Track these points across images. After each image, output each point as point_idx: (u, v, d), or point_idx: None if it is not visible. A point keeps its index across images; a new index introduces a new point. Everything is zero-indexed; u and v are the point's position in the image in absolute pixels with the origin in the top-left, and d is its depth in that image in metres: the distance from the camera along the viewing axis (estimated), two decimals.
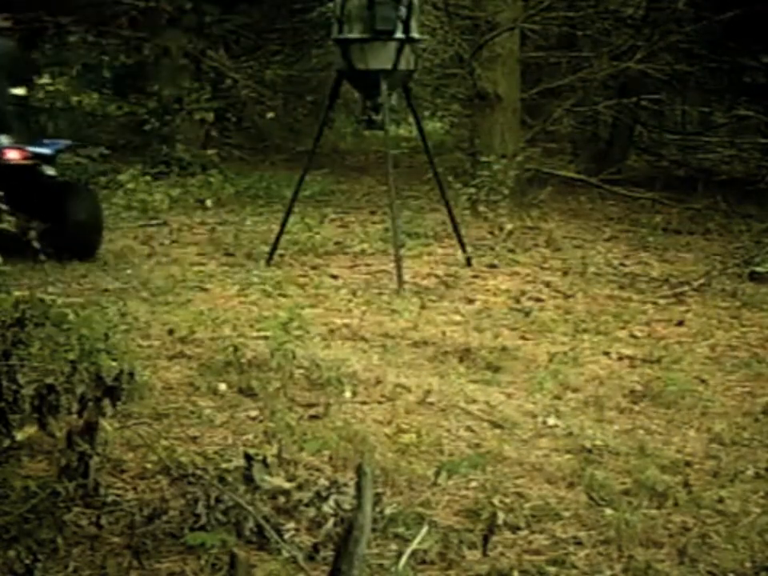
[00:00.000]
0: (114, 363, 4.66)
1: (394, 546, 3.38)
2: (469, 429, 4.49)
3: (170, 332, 5.77)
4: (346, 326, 6.09)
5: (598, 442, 4.35)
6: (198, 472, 3.75)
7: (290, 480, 3.75)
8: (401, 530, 3.47)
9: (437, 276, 7.68)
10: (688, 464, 4.19)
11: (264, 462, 3.71)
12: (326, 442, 4.19)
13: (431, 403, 4.76)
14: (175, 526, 3.37)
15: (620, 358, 5.69)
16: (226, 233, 9.21)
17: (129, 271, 7.69)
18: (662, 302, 7.07)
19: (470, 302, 6.93)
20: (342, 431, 4.36)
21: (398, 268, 7.22)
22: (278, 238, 8.06)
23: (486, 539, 3.38)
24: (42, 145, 7.84)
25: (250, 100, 14.30)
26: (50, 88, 12.10)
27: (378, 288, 7.23)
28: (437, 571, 3.29)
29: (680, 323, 6.49)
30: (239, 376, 5.01)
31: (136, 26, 13.10)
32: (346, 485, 3.63)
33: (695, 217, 10.46)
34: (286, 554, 3.24)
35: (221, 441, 4.34)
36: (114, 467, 3.89)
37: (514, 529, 3.58)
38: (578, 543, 3.50)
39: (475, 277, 7.69)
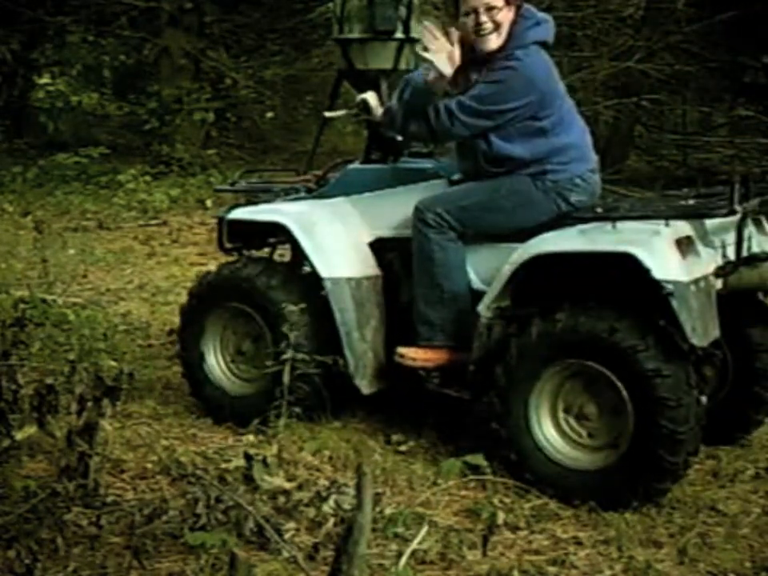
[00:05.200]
0: (113, 363, 4.67)
1: (394, 546, 3.38)
2: None
3: (170, 332, 5.77)
4: None
5: None
6: (198, 472, 3.75)
7: (289, 480, 3.75)
8: (401, 530, 3.47)
9: None
10: None
11: (264, 461, 3.71)
12: (326, 442, 4.19)
13: None
14: (175, 525, 3.37)
15: None
16: None
17: (129, 271, 7.69)
18: None
19: None
20: (342, 431, 4.36)
21: None
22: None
23: (485, 539, 3.38)
24: None
25: (250, 100, 14.29)
26: (50, 88, 12.09)
27: None
28: (437, 571, 3.29)
29: None
30: None
31: (136, 26, 13.09)
32: (346, 485, 3.63)
33: None
34: (286, 554, 3.24)
35: (221, 441, 4.34)
36: (113, 467, 3.89)
37: (514, 529, 3.58)
38: (578, 543, 3.50)
39: None
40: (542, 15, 4.14)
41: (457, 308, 4.12)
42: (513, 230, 4.04)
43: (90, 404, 3.43)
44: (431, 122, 4.04)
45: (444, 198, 4.19)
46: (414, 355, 4.15)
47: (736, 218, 3.83)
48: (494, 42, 4.03)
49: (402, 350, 4.19)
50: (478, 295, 4.08)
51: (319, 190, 4.63)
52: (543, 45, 4.11)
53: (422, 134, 4.16)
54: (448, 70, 4.02)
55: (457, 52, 4.04)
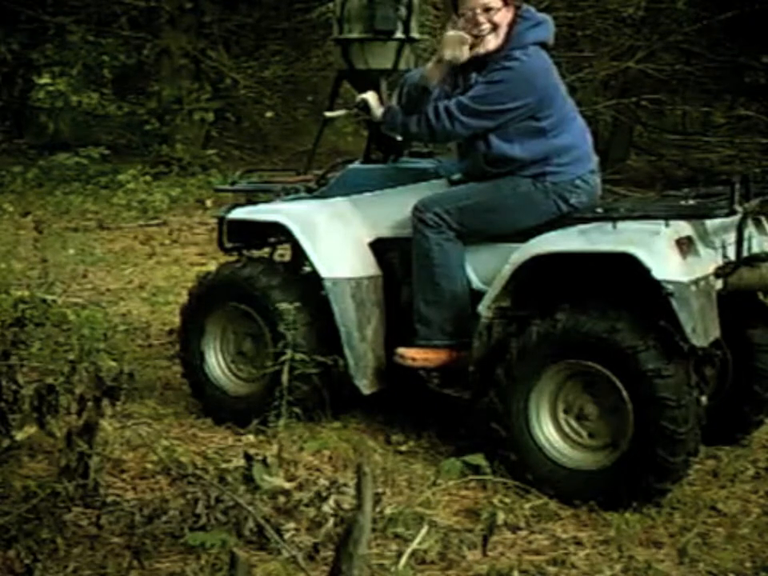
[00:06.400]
0: (113, 363, 4.67)
1: (394, 546, 3.38)
2: None
3: (170, 332, 5.77)
4: None
5: None
6: (198, 472, 3.75)
7: (290, 480, 3.75)
8: (401, 529, 3.47)
9: None
10: None
11: (264, 461, 3.71)
12: (326, 442, 4.19)
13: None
14: (175, 525, 3.37)
15: None
16: None
17: (129, 271, 7.69)
18: None
19: None
20: (342, 431, 4.36)
21: None
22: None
23: (485, 539, 3.39)
24: None
25: (250, 100, 14.27)
26: (50, 88, 12.07)
27: None
28: (437, 571, 3.29)
29: None
30: None
31: (136, 26, 13.07)
32: (345, 485, 3.63)
33: None
34: (285, 554, 3.24)
35: (221, 441, 4.34)
36: (113, 467, 3.89)
37: (514, 529, 3.58)
38: (578, 543, 3.50)
39: None
40: (541, 16, 4.15)
41: (456, 307, 4.13)
42: (512, 230, 4.05)
43: (90, 404, 3.43)
44: (431, 122, 4.04)
45: (443, 198, 4.20)
46: (413, 355, 4.16)
47: (736, 218, 3.83)
48: (492, 42, 4.03)
49: (401, 350, 4.19)
50: (477, 295, 4.09)
51: (319, 190, 4.63)
52: (543, 45, 4.11)
53: (422, 134, 4.17)
54: (465, 52, 4.01)
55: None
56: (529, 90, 3.98)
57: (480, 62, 4.08)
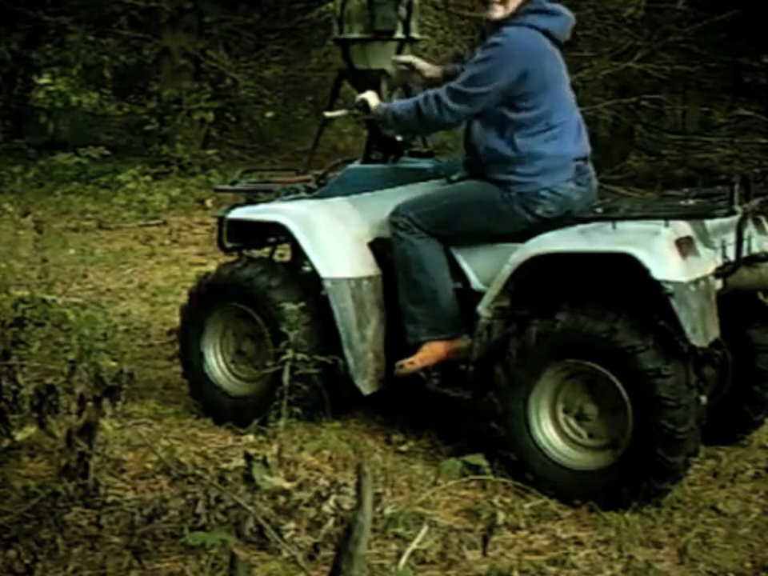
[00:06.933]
0: (113, 363, 4.67)
1: (394, 546, 3.38)
2: None
3: (170, 332, 5.77)
4: None
5: None
6: (198, 472, 3.75)
7: (289, 480, 3.75)
8: (401, 530, 3.47)
9: None
10: None
11: (264, 461, 3.71)
12: (326, 442, 4.19)
13: None
14: (175, 525, 3.37)
15: None
16: None
17: (129, 271, 7.69)
18: None
19: None
20: (342, 431, 4.36)
21: None
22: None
23: (485, 539, 3.39)
24: None
25: (250, 100, 14.27)
26: (50, 88, 12.07)
27: None
28: (437, 571, 3.29)
29: None
30: None
31: (136, 26, 13.08)
32: (345, 485, 3.63)
33: None
34: (285, 554, 3.24)
35: (221, 441, 4.34)
36: (114, 467, 3.89)
37: (514, 529, 3.58)
38: (578, 543, 3.50)
39: None
40: (554, 7, 4.10)
41: (438, 304, 4.15)
42: (480, 235, 4.11)
43: (90, 404, 3.43)
44: (421, 110, 4.07)
45: (416, 202, 4.23)
46: (412, 360, 4.16)
47: (736, 218, 3.83)
48: (499, 11, 4.04)
49: (399, 363, 4.19)
50: (477, 295, 4.09)
51: (319, 190, 4.64)
52: (548, 35, 4.05)
53: (412, 123, 4.17)
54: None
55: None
56: (512, 65, 3.94)
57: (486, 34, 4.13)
